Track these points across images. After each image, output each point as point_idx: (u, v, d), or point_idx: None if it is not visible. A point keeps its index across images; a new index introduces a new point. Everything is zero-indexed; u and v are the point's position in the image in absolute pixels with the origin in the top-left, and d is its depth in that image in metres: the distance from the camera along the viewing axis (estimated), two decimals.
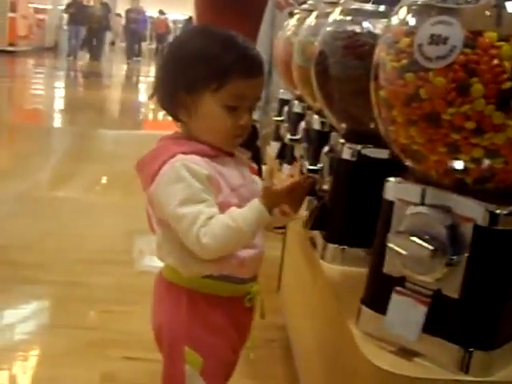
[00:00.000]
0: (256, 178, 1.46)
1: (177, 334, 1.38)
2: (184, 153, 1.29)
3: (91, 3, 21.00)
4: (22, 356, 2.37)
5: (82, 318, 2.67)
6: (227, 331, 1.42)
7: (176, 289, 1.37)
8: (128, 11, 21.28)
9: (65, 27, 20.44)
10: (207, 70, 1.30)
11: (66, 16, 19.67)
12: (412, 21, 1.04)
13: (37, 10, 21.83)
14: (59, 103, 10.81)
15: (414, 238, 0.99)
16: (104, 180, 5.27)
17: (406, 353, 1.04)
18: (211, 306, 1.38)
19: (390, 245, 1.03)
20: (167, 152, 1.30)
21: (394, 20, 1.09)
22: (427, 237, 0.99)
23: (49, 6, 22.02)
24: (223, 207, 1.29)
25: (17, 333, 2.54)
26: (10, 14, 18.98)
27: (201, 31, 1.41)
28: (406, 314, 1.02)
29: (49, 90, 12.12)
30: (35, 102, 10.72)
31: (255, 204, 1.27)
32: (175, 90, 1.32)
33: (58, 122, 8.90)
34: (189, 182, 1.26)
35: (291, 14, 3.35)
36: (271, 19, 3.68)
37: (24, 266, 3.12)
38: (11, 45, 18.79)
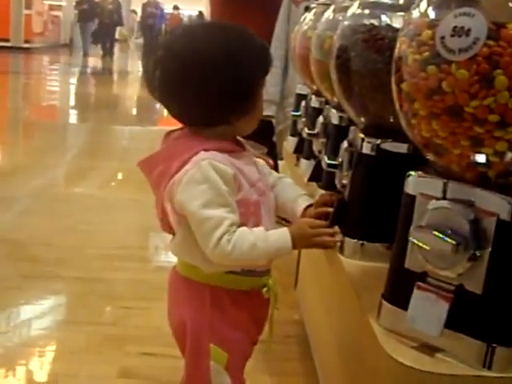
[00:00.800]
0: (271, 170, 1.48)
1: (201, 332, 1.38)
2: (206, 150, 1.28)
3: None
4: (39, 352, 2.38)
5: (99, 313, 2.67)
6: (248, 325, 1.44)
7: (198, 286, 1.38)
8: (145, 5, 20.54)
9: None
10: (257, 69, 1.32)
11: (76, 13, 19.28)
12: (434, 13, 1.03)
13: (52, 7, 21.89)
14: (75, 100, 10.83)
15: (436, 233, 0.98)
16: (120, 176, 5.28)
17: (428, 349, 1.03)
18: (234, 301, 1.39)
19: (412, 239, 1.02)
20: (189, 149, 1.28)
21: (416, 12, 1.07)
22: (449, 231, 0.98)
23: (63, 3, 22.04)
24: (243, 204, 1.30)
25: (34, 328, 2.55)
26: (26, 11, 19.04)
27: (217, 32, 1.34)
28: (428, 309, 1.01)
29: (64, 87, 12.17)
30: (51, 98, 10.76)
31: (285, 237, 1.29)
32: (223, 97, 1.29)
33: (73, 118, 8.93)
34: (214, 184, 1.25)
35: (307, 9, 3.34)
36: (287, 14, 3.66)
37: (42, 262, 3.14)
38: (27, 42, 18.85)
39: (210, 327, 1.37)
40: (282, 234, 1.30)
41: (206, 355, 1.38)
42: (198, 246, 1.29)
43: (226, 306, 1.38)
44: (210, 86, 1.27)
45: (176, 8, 25.86)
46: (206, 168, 1.25)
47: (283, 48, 3.63)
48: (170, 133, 1.39)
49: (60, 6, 21.70)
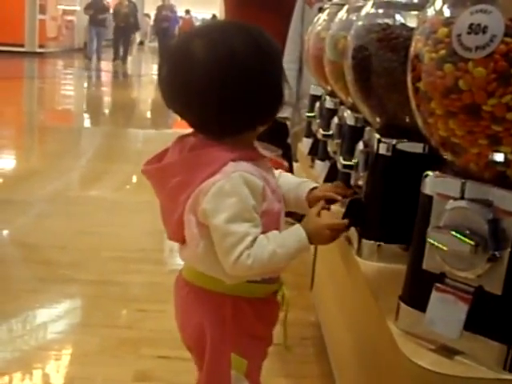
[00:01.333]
0: (274, 171, 1.44)
1: (223, 342, 1.36)
2: (234, 160, 1.24)
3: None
4: (55, 355, 2.38)
5: (114, 316, 2.67)
6: (265, 330, 1.44)
7: (219, 297, 1.35)
8: (160, 9, 20.03)
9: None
10: (281, 71, 1.29)
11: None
12: (449, 10, 1.02)
13: (66, 12, 22.00)
14: (89, 104, 10.86)
15: (455, 233, 0.97)
16: (134, 179, 5.28)
17: (447, 351, 1.01)
18: (254, 310, 1.38)
19: (430, 240, 1.01)
20: (215, 160, 1.23)
21: (431, 10, 1.06)
22: (468, 232, 0.96)
23: (77, 8, 22.12)
24: (267, 214, 1.28)
25: (50, 331, 2.56)
26: (40, 16, 19.15)
27: (243, 35, 1.26)
28: (446, 311, 1.00)
29: (78, 91, 12.21)
30: (65, 102, 10.80)
31: (301, 236, 1.28)
32: (258, 104, 1.25)
33: (87, 122, 8.95)
34: (243, 198, 1.22)
35: (321, 10, 3.33)
36: (301, 15, 3.65)
37: (58, 265, 3.14)
38: (41, 46, 18.95)
39: (232, 338, 1.36)
40: (298, 234, 1.28)
41: (228, 365, 1.37)
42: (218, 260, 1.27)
43: (247, 315, 1.36)
44: (245, 91, 1.22)
45: (188, 12, 25.93)
46: (237, 181, 1.22)
47: (298, 49, 3.62)
48: (181, 139, 1.32)
49: (74, 10, 21.77)
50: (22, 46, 18.25)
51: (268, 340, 1.46)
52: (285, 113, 3.58)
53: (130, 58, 18.19)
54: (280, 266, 1.32)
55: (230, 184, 1.21)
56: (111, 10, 18.54)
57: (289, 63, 3.62)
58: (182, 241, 1.36)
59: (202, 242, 1.28)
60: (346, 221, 1.32)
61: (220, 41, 1.23)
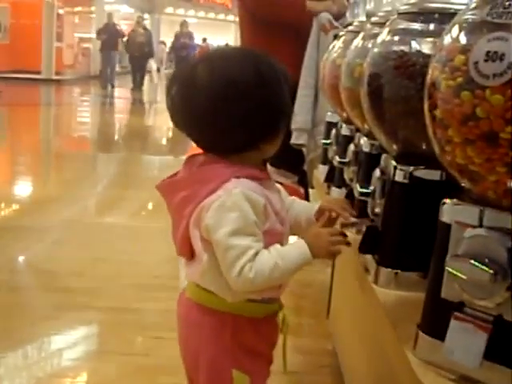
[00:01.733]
0: (286, 194, 1.47)
1: (223, 358, 1.38)
2: (237, 177, 1.27)
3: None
4: (71, 382, 2.38)
5: (131, 344, 2.67)
6: (266, 349, 1.45)
7: (219, 315, 1.37)
8: (178, 36, 19.55)
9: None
10: (283, 93, 1.33)
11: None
12: (466, 38, 1.01)
13: (82, 40, 22.25)
14: (105, 130, 10.93)
15: (473, 262, 0.96)
16: (150, 206, 5.29)
17: (467, 381, 1.00)
18: (254, 328, 1.40)
19: (448, 269, 1.00)
20: (218, 176, 1.28)
21: (448, 38, 1.06)
22: (487, 260, 0.95)
23: (93, 35, 22.39)
24: (269, 235, 1.30)
25: (66, 359, 2.55)
26: (57, 44, 19.37)
27: (243, 58, 1.34)
28: (465, 340, 0.99)
29: (94, 118, 12.29)
30: (81, 129, 10.88)
31: (304, 249, 1.29)
32: (254, 124, 1.29)
33: (103, 148, 9.00)
34: (244, 213, 1.25)
35: (336, 37, 3.34)
36: (316, 42, 3.67)
37: (74, 292, 3.14)
38: (58, 73, 19.15)
39: (232, 354, 1.37)
40: (300, 246, 1.29)
41: (229, 381, 1.38)
42: (221, 275, 1.29)
43: (247, 332, 1.39)
44: (242, 113, 1.27)
45: (204, 40, 26.16)
46: (239, 197, 1.25)
47: (313, 76, 3.62)
48: (192, 157, 1.37)
49: (90, 38, 21.98)
50: (38, 73, 18.46)
51: (268, 357, 1.47)
52: (300, 139, 3.58)
53: (146, 85, 18.18)
54: (283, 279, 1.33)
55: (232, 200, 1.25)
56: (125, 38, 18.43)
57: (304, 90, 3.63)
58: (188, 255, 1.38)
59: (206, 256, 1.31)
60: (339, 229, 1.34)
61: (219, 66, 1.30)
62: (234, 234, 1.25)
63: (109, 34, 17.44)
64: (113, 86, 17.56)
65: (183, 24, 19.89)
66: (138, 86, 17.70)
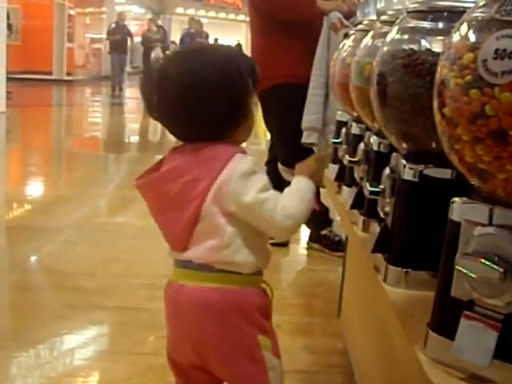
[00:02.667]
0: None
1: (249, 329, 1.50)
2: (241, 152, 1.47)
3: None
4: (82, 381, 2.39)
5: (142, 343, 2.67)
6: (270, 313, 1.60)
7: (241, 290, 1.49)
8: (194, 35, 17.87)
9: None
10: (246, 85, 1.50)
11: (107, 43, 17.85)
12: (475, 36, 1.01)
13: (93, 40, 22.31)
14: (116, 130, 10.96)
15: (483, 260, 0.96)
16: None
17: (477, 380, 0.99)
18: (261, 298, 1.55)
19: (458, 267, 1.00)
20: (224, 153, 1.44)
21: (456, 36, 1.06)
22: (496, 258, 0.95)
23: (104, 36, 22.45)
24: None
25: (77, 358, 2.56)
26: (68, 45, 19.44)
27: (208, 55, 1.52)
28: (475, 339, 0.98)
29: (105, 118, 12.32)
30: (92, 129, 10.91)
31: (304, 180, 1.54)
32: (228, 111, 1.46)
33: (115, 148, 9.02)
34: (261, 173, 1.46)
35: (346, 36, 3.34)
36: (327, 41, 3.67)
37: (85, 292, 3.16)
38: (69, 74, 19.22)
39: (256, 322, 1.50)
40: (299, 179, 1.55)
41: (258, 347, 1.49)
42: (248, 240, 1.45)
43: (264, 299, 1.54)
44: (208, 108, 1.45)
45: (216, 40, 26.09)
46: (252, 163, 1.45)
47: (324, 75, 3.63)
48: (175, 149, 1.53)
49: (101, 38, 22.03)
50: (50, 73, 18.55)
51: (271, 319, 1.60)
52: (311, 138, 3.59)
53: None
54: (308, 209, 1.51)
55: (248, 166, 1.43)
56: (139, 38, 18.22)
57: (315, 89, 3.63)
58: (187, 244, 1.49)
59: (230, 229, 1.44)
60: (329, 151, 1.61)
61: (189, 63, 1.49)
62: (262, 191, 1.43)
63: (119, 35, 17.09)
64: (121, 89, 17.12)
65: (195, 22, 18.58)
66: None
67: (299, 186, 1.52)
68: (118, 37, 16.95)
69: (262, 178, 1.45)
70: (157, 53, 17.08)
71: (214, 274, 1.45)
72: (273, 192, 1.45)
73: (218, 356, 1.49)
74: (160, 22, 20.87)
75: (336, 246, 4.03)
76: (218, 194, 1.40)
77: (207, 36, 19.23)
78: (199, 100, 1.44)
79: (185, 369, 1.60)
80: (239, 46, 23.15)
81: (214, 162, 1.42)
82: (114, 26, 17.55)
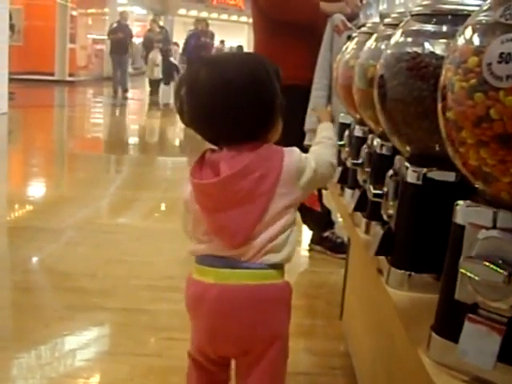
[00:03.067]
0: None
1: (288, 323, 1.61)
2: (284, 148, 1.62)
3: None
4: (83, 383, 2.39)
5: (143, 344, 2.68)
6: None
7: (286, 285, 1.59)
8: (199, 35, 16.92)
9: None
10: (276, 91, 1.61)
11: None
12: (479, 40, 1.01)
13: (95, 41, 22.32)
14: (118, 132, 10.97)
15: (487, 263, 0.96)
16: (163, 207, 5.31)
17: (481, 383, 1.00)
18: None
19: (462, 270, 1.00)
20: (276, 151, 1.59)
21: (461, 39, 1.06)
22: (500, 261, 0.95)
23: (107, 37, 22.47)
24: None
25: (79, 359, 2.57)
26: (70, 45, 19.45)
27: (241, 62, 1.64)
28: (479, 342, 0.98)
29: (107, 119, 12.33)
30: (94, 130, 10.92)
31: (327, 125, 1.90)
32: (262, 113, 1.59)
33: (116, 149, 9.03)
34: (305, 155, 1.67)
35: (349, 38, 3.36)
36: (330, 44, 3.67)
37: (87, 293, 3.16)
38: (71, 75, 19.23)
39: (290, 316, 1.61)
40: (324, 126, 1.91)
41: (288, 337, 1.61)
42: (292, 233, 1.57)
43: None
44: (245, 113, 1.56)
45: (222, 42, 26.03)
46: (296, 151, 1.64)
47: (327, 77, 3.63)
48: (213, 152, 1.61)
49: (103, 39, 21.99)
50: (52, 74, 18.56)
51: None
52: (313, 140, 3.59)
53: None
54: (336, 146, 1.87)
55: (298, 155, 1.62)
56: (141, 39, 17.95)
57: (318, 91, 3.63)
58: (248, 239, 1.53)
59: (288, 215, 1.57)
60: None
61: (223, 72, 1.57)
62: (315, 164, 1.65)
63: (122, 34, 16.48)
64: (126, 90, 16.52)
65: (201, 22, 17.72)
66: (156, 88, 16.94)
67: (329, 133, 1.85)
68: (121, 35, 16.36)
69: (303, 154, 1.64)
70: (154, 55, 16.91)
71: (263, 270, 1.53)
72: (312, 154, 1.70)
73: (269, 346, 1.55)
74: (161, 23, 20.73)
75: (338, 247, 4.03)
76: (286, 180, 1.55)
77: (212, 35, 18.22)
78: (237, 106, 1.54)
79: (206, 364, 1.68)
80: (240, 47, 23.14)
81: (273, 161, 1.55)
82: (115, 25, 17.05)
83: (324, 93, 3.64)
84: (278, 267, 1.56)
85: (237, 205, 1.52)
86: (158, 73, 17.04)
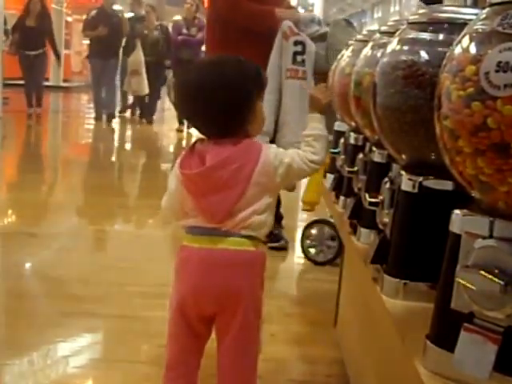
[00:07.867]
0: None
1: (261, 287, 1.79)
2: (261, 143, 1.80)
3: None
4: None
5: (137, 351, 2.66)
6: None
7: (260, 253, 1.79)
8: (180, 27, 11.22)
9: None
10: (259, 84, 1.83)
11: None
12: (477, 48, 1.01)
13: None
14: (112, 138, 10.95)
15: (483, 273, 0.95)
16: (157, 214, 5.29)
17: None
18: None
19: (458, 279, 1.00)
20: (255, 145, 1.77)
21: (458, 48, 1.06)
22: (497, 271, 0.95)
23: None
24: None
25: (72, 366, 2.55)
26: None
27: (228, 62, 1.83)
28: (475, 351, 0.98)
29: (102, 125, 12.28)
30: (89, 136, 10.90)
31: (317, 116, 1.90)
32: (248, 106, 1.77)
33: (111, 156, 9.01)
34: (278, 148, 1.83)
35: (296, 43, 3.74)
36: (280, 48, 3.86)
37: (81, 300, 3.14)
38: (66, 81, 19.20)
39: (262, 280, 1.80)
40: (313, 116, 1.91)
41: (261, 301, 1.79)
42: (271, 213, 1.78)
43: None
44: (234, 109, 1.76)
45: None
46: (273, 146, 1.84)
47: (277, 80, 3.81)
48: (202, 141, 1.80)
49: None
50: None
51: None
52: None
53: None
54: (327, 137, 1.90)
55: (273, 149, 1.80)
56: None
57: (267, 94, 3.69)
58: (227, 216, 1.72)
59: (267, 197, 1.76)
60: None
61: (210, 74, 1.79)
62: (289, 156, 1.79)
63: (108, 27, 11.29)
64: (113, 116, 11.92)
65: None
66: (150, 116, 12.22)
67: (319, 125, 1.88)
68: (104, 31, 11.26)
69: (281, 150, 1.80)
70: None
71: (240, 238, 1.73)
72: (292, 150, 1.82)
73: (241, 304, 1.72)
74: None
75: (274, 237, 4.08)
76: (262, 172, 1.72)
77: (200, 26, 10.75)
78: (212, 108, 1.75)
79: (191, 321, 1.83)
80: None
81: (252, 153, 1.73)
82: (94, 13, 11.79)
83: (273, 96, 3.76)
84: (254, 239, 1.75)
85: (216, 191, 1.72)
86: None
